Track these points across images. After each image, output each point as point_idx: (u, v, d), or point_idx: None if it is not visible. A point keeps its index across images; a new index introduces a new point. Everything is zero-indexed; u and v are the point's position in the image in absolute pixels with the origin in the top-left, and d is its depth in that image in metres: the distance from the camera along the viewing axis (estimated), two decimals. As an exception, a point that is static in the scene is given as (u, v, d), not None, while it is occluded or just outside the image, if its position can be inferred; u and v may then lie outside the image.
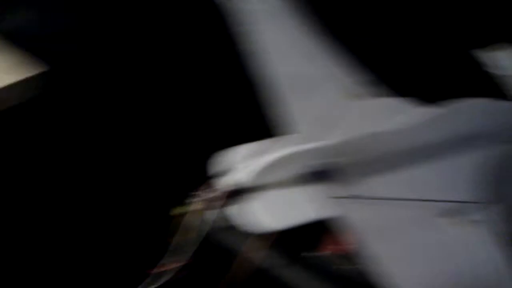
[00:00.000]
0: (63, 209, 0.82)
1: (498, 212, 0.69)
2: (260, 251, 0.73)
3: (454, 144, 0.76)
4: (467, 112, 0.76)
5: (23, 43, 1.07)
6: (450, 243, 0.64)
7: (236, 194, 0.58)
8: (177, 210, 0.62)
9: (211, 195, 0.58)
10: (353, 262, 0.69)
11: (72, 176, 0.87)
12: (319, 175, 0.63)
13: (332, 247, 0.71)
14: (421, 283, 0.59)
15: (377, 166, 0.68)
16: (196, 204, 0.59)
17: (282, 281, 0.73)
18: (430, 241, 0.64)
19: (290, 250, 0.74)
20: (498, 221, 0.68)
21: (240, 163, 0.62)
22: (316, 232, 0.74)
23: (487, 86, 1.03)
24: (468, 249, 0.64)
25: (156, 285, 0.62)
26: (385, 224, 0.62)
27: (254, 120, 0.89)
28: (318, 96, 0.79)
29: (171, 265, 0.62)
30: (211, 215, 0.60)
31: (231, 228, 0.67)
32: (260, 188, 0.59)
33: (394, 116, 0.77)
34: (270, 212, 0.58)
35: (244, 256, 0.71)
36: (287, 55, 0.86)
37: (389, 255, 0.59)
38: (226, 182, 0.59)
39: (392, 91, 0.85)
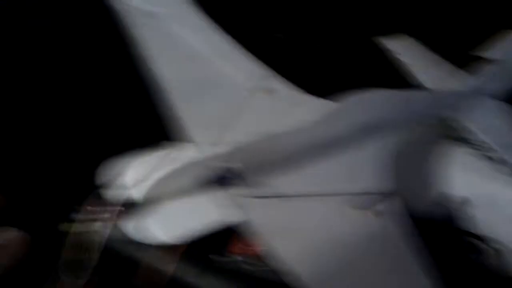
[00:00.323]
0: None
1: (399, 202, 0.70)
2: (167, 261, 0.73)
3: (355, 136, 0.76)
4: (366, 104, 0.77)
5: None
6: (358, 234, 0.64)
7: (132, 207, 0.56)
8: (67, 226, 0.58)
9: (104, 209, 0.55)
10: (262, 263, 0.69)
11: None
12: (220, 180, 0.61)
13: (241, 250, 0.71)
14: (329, 276, 0.59)
15: (280, 165, 0.67)
16: (88, 219, 0.56)
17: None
18: (339, 233, 0.64)
19: (199, 257, 0.74)
20: (400, 211, 0.69)
21: (134, 174, 0.59)
22: (224, 237, 0.73)
23: (389, 74, 1.04)
24: (375, 240, 0.64)
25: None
26: (292, 221, 0.62)
27: (149, 126, 0.87)
28: (215, 99, 0.77)
29: (67, 283, 0.59)
30: (106, 230, 0.57)
31: (130, 242, 0.66)
32: (158, 199, 0.57)
33: (296, 112, 0.77)
34: (171, 223, 0.56)
35: (150, 268, 0.69)
36: (180, 58, 0.83)
37: (297, 251, 0.59)
38: (120, 195, 0.57)
39: (294, 86, 0.84)
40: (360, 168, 0.74)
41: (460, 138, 0.97)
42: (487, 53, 0.94)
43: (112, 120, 1.00)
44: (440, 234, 0.85)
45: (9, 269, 0.66)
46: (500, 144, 0.92)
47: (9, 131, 0.95)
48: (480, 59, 0.95)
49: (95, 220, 0.55)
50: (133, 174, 0.60)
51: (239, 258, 0.71)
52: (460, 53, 1.05)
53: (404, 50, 1.09)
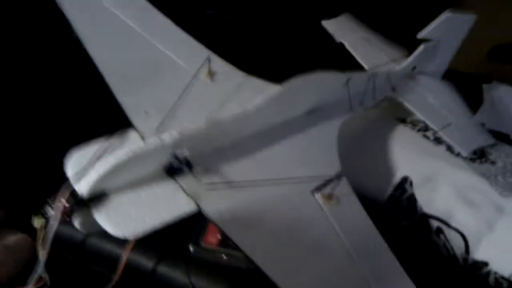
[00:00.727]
0: None
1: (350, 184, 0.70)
2: (133, 255, 0.71)
3: (301, 120, 0.76)
4: (309, 86, 0.76)
5: None
6: (314, 218, 0.64)
7: (89, 200, 0.52)
8: (35, 220, 0.55)
9: (63, 202, 0.52)
10: (229, 252, 0.69)
11: None
12: (168, 170, 0.59)
13: (211, 238, 0.70)
14: (289, 262, 0.58)
15: (229, 152, 0.66)
16: (50, 212, 0.52)
17: (169, 282, 0.72)
18: (294, 218, 0.64)
19: (173, 247, 0.73)
20: (353, 193, 0.70)
21: (86, 166, 0.55)
22: (192, 225, 0.73)
23: (333, 56, 1.05)
24: (333, 223, 0.64)
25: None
26: (245, 209, 0.60)
27: (98, 114, 0.87)
28: (156, 83, 0.74)
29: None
30: (68, 223, 0.55)
31: (92, 236, 0.64)
32: (112, 191, 0.54)
33: (239, 96, 0.76)
34: (121, 217, 0.53)
35: (121, 262, 0.70)
36: (115, 39, 0.79)
37: (254, 240, 0.58)
38: (75, 187, 0.53)
39: (241, 69, 0.83)
40: (309, 152, 0.74)
41: (402, 118, 0.99)
42: (424, 33, 0.95)
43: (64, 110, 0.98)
44: (388, 215, 0.87)
45: (17, 273, 0.65)
46: (436, 122, 0.94)
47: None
48: (419, 40, 0.96)
49: (57, 214, 0.51)
50: (76, 166, 0.56)
51: (215, 247, 0.70)
52: (404, 34, 1.07)
53: (346, 31, 1.09)
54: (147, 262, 0.73)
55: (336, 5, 1.26)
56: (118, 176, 0.54)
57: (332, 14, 1.15)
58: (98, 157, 0.57)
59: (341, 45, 1.05)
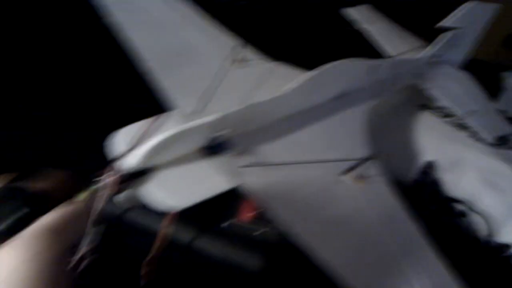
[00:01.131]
0: None
1: (380, 165, 0.73)
2: (175, 228, 0.75)
3: (331, 104, 0.79)
4: (343, 72, 0.79)
5: None
6: (348, 197, 0.67)
7: (134, 176, 0.55)
8: (82, 196, 0.56)
9: (110, 178, 0.54)
10: (267, 227, 0.72)
11: None
12: (210, 148, 0.62)
13: (245, 215, 0.73)
14: (332, 241, 0.61)
15: (264, 134, 0.68)
16: (98, 188, 0.55)
17: (203, 255, 0.75)
18: (330, 197, 0.66)
19: (205, 223, 0.76)
20: (384, 175, 0.72)
21: (132, 144, 0.59)
22: (227, 202, 0.76)
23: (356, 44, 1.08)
24: (367, 203, 0.67)
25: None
26: (283, 188, 0.63)
27: (138, 97, 0.86)
28: (191, 68, 0.77)
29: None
30: (115, 198, 0.57)
31: (138, 210, 0.67)
32: (158, 167, 0.57)
33: (270, 81, 0.78)
34: (175, 190, 0.57)
35: (160, 236, 0.73)
36: (150, 26, 0.82)
37: (294, 215, 0.61)
38: (122, 164, 0.56)
39: (267, 55, 0.86)
40: (338, 135, 0.76)
41: (424, 104, 1.01)
42: (447, 22, 0.97)
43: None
44: (413, 198, 0.89)
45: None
46: (461, 109, 0.96)
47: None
48: (441, 28, 0.98)
49: (105, 189, 0.54)
50: (123, 143, 0.59)
51: (244, 222, 0.73)
52: (424, 24, 1.09)
53: (367, 20, 1.12)
54: (184, 237, 0.76)
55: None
56: (164, 152, 0.57)
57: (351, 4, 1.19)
58: (144, 135, 0.60)
59: (358, 33, 1.07)
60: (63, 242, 0.49)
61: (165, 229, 0.73)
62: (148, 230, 0.76)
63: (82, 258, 0.59)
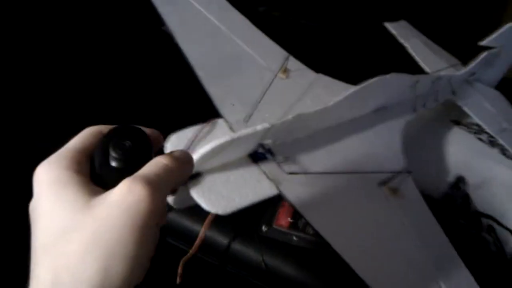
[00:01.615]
0: None
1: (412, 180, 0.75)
2: (210, 231, 0.78)
3: (371, 117, 0.82)
4: (385, 86, 0.81)
5: None
6: (383, 209, 0.70)
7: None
8: None
9: None
10: (306, 234, 0.74)
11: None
12: (259, 156, 0.64)
13: (284, 220, 0.76)
14: (368, 252, 0.63)
15: (311, 143, 0.71)
16: None
17: (242, 258, 0.78)
18: (372, 210, 0.69)
19: (244, 227, 0.79)
20: (416, 189, 0.75)
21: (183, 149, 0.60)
22: (267, 209, 0.80)
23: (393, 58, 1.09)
24: (401, 216, 0.69)
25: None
26: (323, 197, 0.66)
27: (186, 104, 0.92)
28: (240, 77, 0.80)
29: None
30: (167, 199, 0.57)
31: (185, 211, 0.69)
32: (206, 172, 0.59)
33: (315, 92, 0.82)
34: (222, 194, 0.59)
35: (199, 237, 0.76)
36: (202, 34, 0.85)
37: (333, 223, 0.63)
38: None
39: (311, 67, 0.89)
40: (376, 147, 0.79)
41: (457, 120, 1.03)
42: (485, 41, 0.99)
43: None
44: (442, 212, 0.91)
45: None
46: (493, 127, 0.98)
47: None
48: (480, 47, 1.00)
49: None
50: (174, 148, 0.62)
51: (286, 229, 0.76)
52: (462, 43, 1.11)
53: (407, 35, 1.14)
54: (222, 239, 0.79)
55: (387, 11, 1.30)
56: (213, 158, 0.60)
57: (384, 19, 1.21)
58: (195, 140, 0.64)
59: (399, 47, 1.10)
60: None
61: (204, 231, 0.76)
62: (188, 231, 0.80)
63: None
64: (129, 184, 0.35)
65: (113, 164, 0.39)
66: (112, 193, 0.35)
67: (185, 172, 0.44)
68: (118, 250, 0.33)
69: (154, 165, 0.39)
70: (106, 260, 0.33)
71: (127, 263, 0.34)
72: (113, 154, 0.39)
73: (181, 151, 0.44)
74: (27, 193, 0.37)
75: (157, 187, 0.36)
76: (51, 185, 0.36)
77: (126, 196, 0.35)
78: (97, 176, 0.39)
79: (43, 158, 0.38)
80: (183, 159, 0.43)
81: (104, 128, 0.42)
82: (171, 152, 0.43)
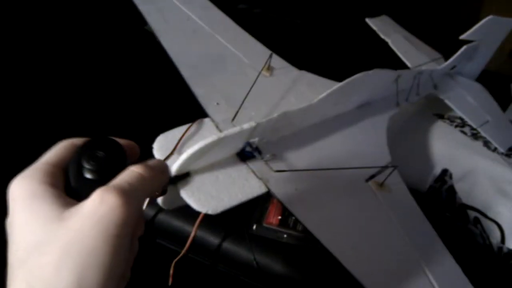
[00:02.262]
0: None
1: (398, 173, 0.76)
2: (201, 231, 0.78)
3: (355, 113, 0.83)
4: (368, 82, 0.81)
5: None
6: (379, 205, 0.70)
7: (173, 180, 0.58)
8: None
9: None
10: (296, 231, 0.75)
11: None
12: (246, 154, 0.65)
13: (275, 219, 0.76)
14: (356, 246, 0.63)
15: (297, 141, 0.72)
16: None
17: (233, 257, 0.79)
18: (360, 205, 0.70)
19: (237, 226, 0.79)
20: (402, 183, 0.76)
21: (170, 150, 0.62)
22: (257, 207, 0.80)
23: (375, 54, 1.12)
24: (395, 210, 0.70)
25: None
26: (312, 193, 0.66)
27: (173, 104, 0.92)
28: (223, 75, 0.80)
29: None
30: (157, 200, 0.59)
31: (174, 212, 0.69)
32: (194, 172, 0.60)
33: (298, 89, 0.82)
34: (211, 194, 0.59)
35: (190, 238, 0.75)
36: (184, 32, 0.85)
37: (322, 219, 0.63)
38: None
39: (293, 64, 0.89)
40: (361, 143, 0.80)
41: (440, 114, 1.04)
42: (465, 35, 1.00)
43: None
44: (428, 205, 0.92)
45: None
46: (475, 120, 0.99)
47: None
48: (460, 41, 1.01)
49: None
50: (162, 148, 0.62)
51: (276, 227, 0.76)
52: (445, 36, 1.12)
53: (388, 30, 1.15)
54: (213, 239, 0.80)
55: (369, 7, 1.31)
56: (201, 158, 0.60)
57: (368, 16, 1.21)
58: (181, 141, 0.64)
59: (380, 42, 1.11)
60: None
61: (195, 231, 0.76)
62: (179, 232, 0.80)
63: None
64: (102, 194, 0.35)
65: (87, 175, 0.39)
66: (85, 204, 0.35)
67: (159, 181, 0.44)
68: (92, 260, 0.33)
69: (127, 175, 0.39)
70: (80, 271, 0.33)
71: (101, 273, 0.33)
72: (86, 166, 0.39)
73: (157, 160, 0.44)
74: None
75: (131, 196, 0.36)
76: (25, 200, 0.36)
77: (99, 206, 0.35)
78: (72, 188, 0.39)
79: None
80: (157, 168, 0.43)
81: (78, 140, 0.42)
82: (146, 161, 0.43)
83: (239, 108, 0.72)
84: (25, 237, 0.35)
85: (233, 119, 0.71)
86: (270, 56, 0.84)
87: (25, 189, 0.36)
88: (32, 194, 0.36)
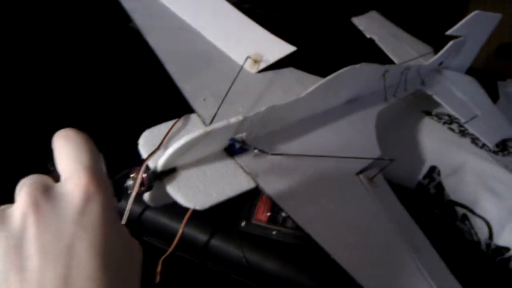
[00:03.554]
0: None
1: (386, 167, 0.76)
2: (188, 228, 0.77)
3: (344, 108, 0.82)
4: (356, 77, 0.81)
5: None
6: (368, 199, 0.70)
7: (159, 176, 0.57)
8: None
9: (141, 175, 0.55)
10: (285, 228, 0.74)
11: None
12: (234, 149, 0.64)
13: (264, 216, 0.76)
14: (347, 240, 0.63)
15: (285, 135, 0.71)
16: (129, 184, 0.55)
17: (222, 254, 0.78)
18: (351, 199, 0.70)
19: (225, 223, 0.79)
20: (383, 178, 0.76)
21: (156, 145, 0.61)
22: (245, 204, 0.80)
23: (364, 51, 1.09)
24: (382, 204, 0.70)
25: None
26: (302, 187, 0.66)
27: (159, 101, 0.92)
28: (210, 71, 0.79)
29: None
30: (143, 197, 0.59)
31: (157, 208, 0.69)
32: (181, 167, 0.59)
33: (285, 84, 0.82)
34: (198, 190, 0.58)
35: (178, 235, 0.75)
36: (170, 29, 0.84)
37: (312, 213, 0.63)
38: (147, 164, 0.57)
39: (282, 61, 0.88)
40: (351, 138, 0.79)
41: (427, 111, 1.04)
42: (451, 30, 1.00)
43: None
44: (416, 202, 0.92)
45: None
46: (463, 114, 0.99)
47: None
48: (447, 36, 1.01)
49: (132, 188, 0.55)
50: (148, 144, 0.61)
51: (265, 224, 0.75)
52: (430, 31, 1.12)
53: (375, 27, 1.15)
54: (201, 236, 0.79)
55: (360, 3, 1.31)
56: (188, 153, 0.59)
57: (357, 12, 1.21)
58: (167, 136, 0.63)
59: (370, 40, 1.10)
60: None
61: (183, 228, 0.75)
62: (166, 229, 0.79)
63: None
64: None
65: None
66: None
67: None
68: None
69: None
70: None
71: None
72: None
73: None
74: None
75: None
76: None
77: None
78: None
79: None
80: None
81: None
82: None
83: (222, 101, 0.71)
84: None
85: (217, 114, 0.69)
86: (254, 52, 0.83)
87: None
88: None
